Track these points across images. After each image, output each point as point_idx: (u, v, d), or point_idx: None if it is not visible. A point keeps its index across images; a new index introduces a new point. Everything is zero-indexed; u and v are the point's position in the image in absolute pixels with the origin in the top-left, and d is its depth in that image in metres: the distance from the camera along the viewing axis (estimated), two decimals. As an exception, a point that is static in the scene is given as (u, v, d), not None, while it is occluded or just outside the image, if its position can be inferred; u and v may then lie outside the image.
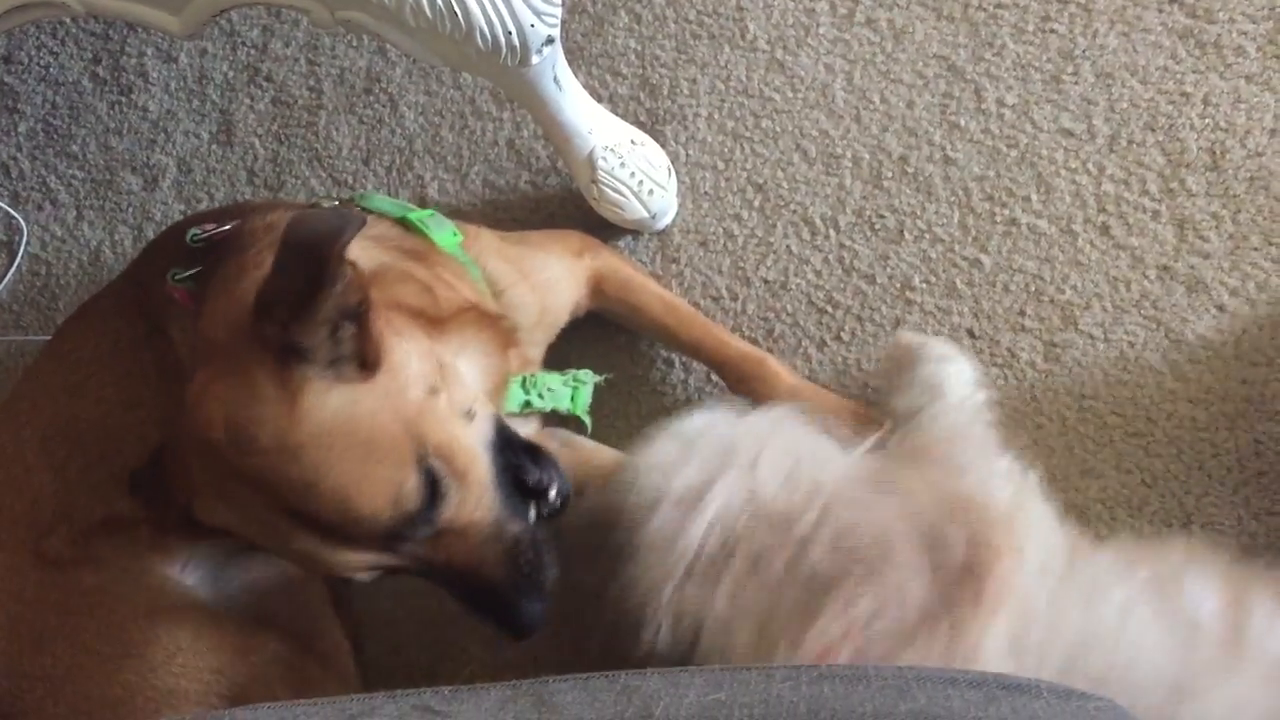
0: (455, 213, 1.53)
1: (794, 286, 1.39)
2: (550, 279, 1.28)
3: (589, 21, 1.57)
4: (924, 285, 1.35)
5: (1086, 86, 1.39)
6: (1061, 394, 1.28)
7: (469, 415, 1.00)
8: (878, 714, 0.64)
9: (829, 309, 1.37)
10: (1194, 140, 1.34)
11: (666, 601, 0.96)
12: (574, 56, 1.55)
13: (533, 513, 1.04)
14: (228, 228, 1.11)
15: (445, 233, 1.17)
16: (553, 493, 1.05)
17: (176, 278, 1.10)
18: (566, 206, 1.49)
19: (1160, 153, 1.34)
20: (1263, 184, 1.31)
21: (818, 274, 1.39)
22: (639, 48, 1.55)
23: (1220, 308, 1.28)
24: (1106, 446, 1.25)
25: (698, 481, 0.99)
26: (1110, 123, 1.37)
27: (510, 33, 1.12)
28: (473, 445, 0.99)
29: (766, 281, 1.40)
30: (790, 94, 1.48)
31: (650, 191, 1.39)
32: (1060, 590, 0.95)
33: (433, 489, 0.94)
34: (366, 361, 0.91)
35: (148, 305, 1.19)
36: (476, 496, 0.98)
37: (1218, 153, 1.33)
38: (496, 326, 1.10)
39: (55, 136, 1.75)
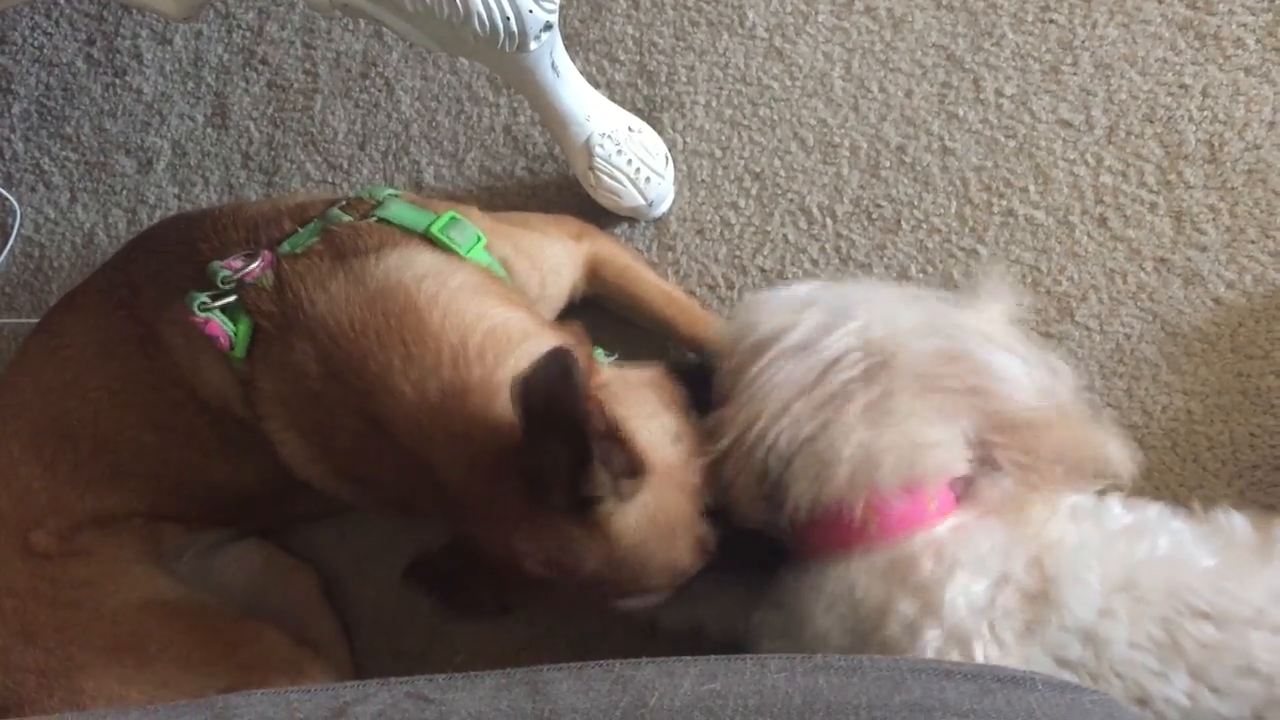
0: (449, 196, 1.52)
1: (790, 275, 1.39)
2: (550, 261, 1.28)
3: (587, 7, 1.57)
4: (921, 275, 1.35)
5: (1085, 77, 1.39)
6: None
7: (677, 438, 1.06)
8: (872, 705, 0.64)
9: (825, 298, 1.37)
10: (1192, 132, 1.34)
11: (779, 426, 1.00)
12: (571, 42, 1.54)
13: None
14: (255, 266, 1.10)
15: (470, 240, 1.16)
16: None
17: (201, 306, 1.09)
18: (563, 193, 1.48)
19: (1158, 144, 1.34)
20: (1260, 177, 1.30)
21: (814, 263, 1.38)
22: (637, 34, 1.54)
23: (1217, 300, 1.28)
24: (1118, 436, 1.25)
25: (815, 325, 1.04)
26: (1109, 114, 1.37)
27: (508, 18, 1.11)
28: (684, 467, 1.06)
29: (763, 270, 1.40)
30: (788, 82, 1.47)
31: (647, 179, 1.39)
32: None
33: (717, 520, 1.06)
34: (635, 469, 0.98)
35: (141, 310, 1.18)
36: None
37: (1216, 145, 1.33)
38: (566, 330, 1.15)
39: (49, 118, 1.74)
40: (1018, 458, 1.02)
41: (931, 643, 0.92)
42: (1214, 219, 1.30)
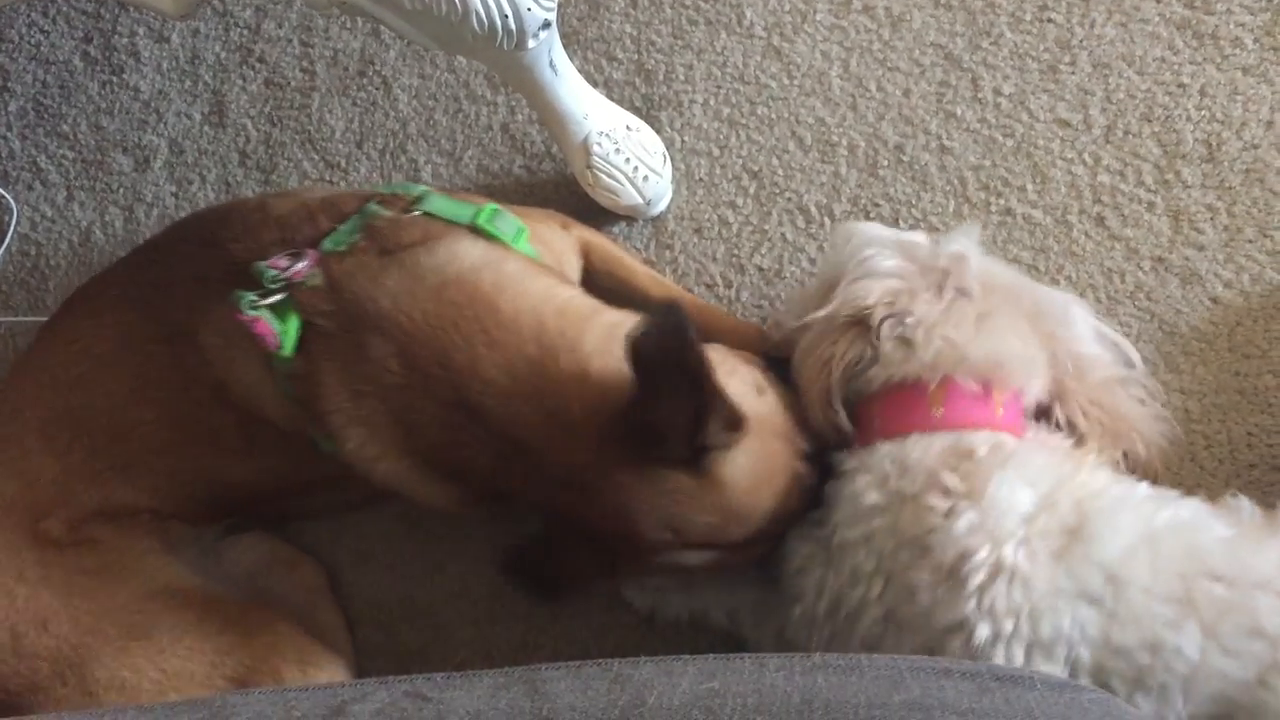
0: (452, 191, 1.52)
1: (788, 274, 1.39)
2: (560, 248, 1.29)
3: (585, 6, 1.56)
4: (918, 274, 1.35)
5: (1083, 76, 1.39)
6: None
7: (761, 390, 1.10)
8: (871, 704, 0.64)
9: (823, 297, 1.37)
10: (1190, 132, 1.34)
11: (887, 304, 1.07)
12: (569, 41, 1.54)
13: None
14: (301, 266, 1.10)
15: (513, 230, 1.17)
16: None
17: (250, 303, 1.10)
18: (560, 192, 1.48)
19: (1156, 144, 1.34)
20: (1258, 176, 1.31)
21: (812, 262, 1.38)
22: (635, 33, 1.54)
23: (1214, 300, 1.28)
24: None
25: (923, 239, 1.13)
26: (1107, 113, 1.37)
27: (507, 16, 1.11)
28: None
29: (761, 269, 1.40)
30: (786, 81, 1.47)
31: (645, 178, 1.39)
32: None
33: (812, 461, 1.09)
34: (741, 418, 1.00)
35: (171, 309, 1.19)
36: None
37: (1214, 144, 1.33)
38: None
39: (46, 116, 1.73)
40: (1085, 405, 1.08)
41: (965, 523, 0.95)
42: (1212, 218, 1.30)
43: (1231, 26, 1.36)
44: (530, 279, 1.10)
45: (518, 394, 1.04)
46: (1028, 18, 1.42)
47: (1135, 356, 1.17)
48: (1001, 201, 1.36)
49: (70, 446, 1.20)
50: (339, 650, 1.27)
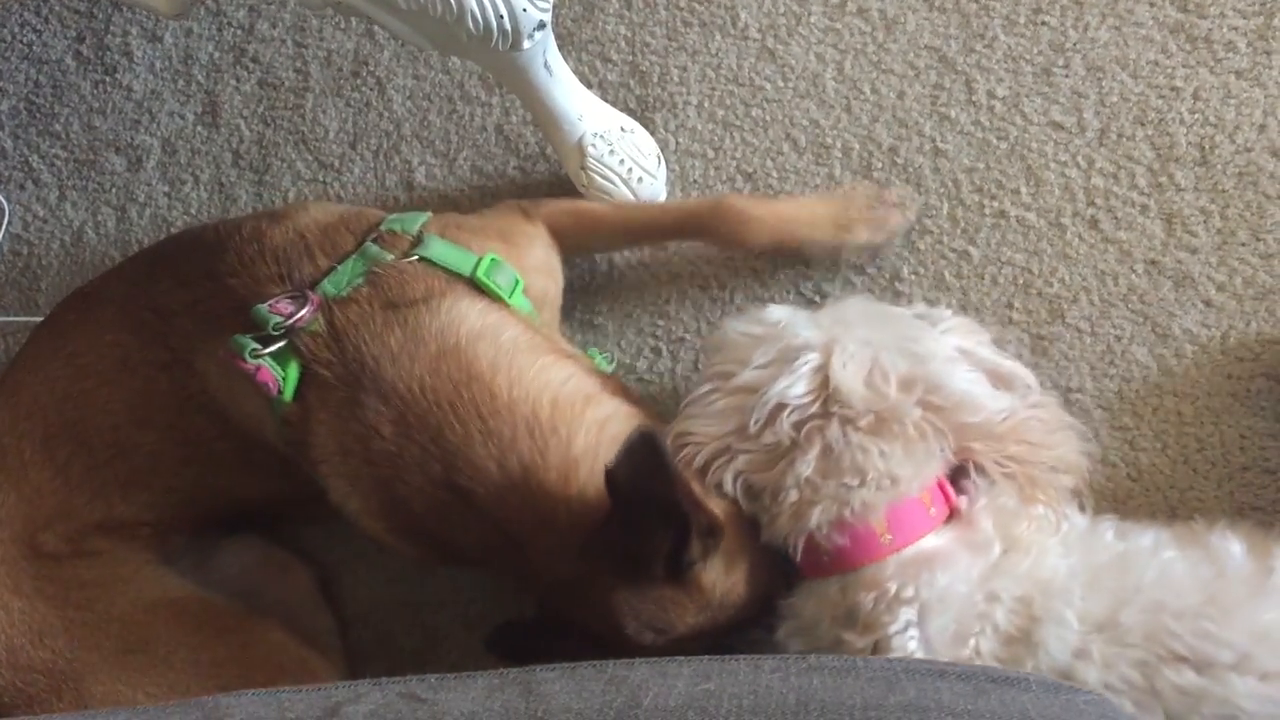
0: (441, 196, 1.52)
1: (782, 276, 1.38)
2: (534, 261, 1.28)
3: (579, 7, 1.56)
4: (912, 277, 1.35)
5: (1077, 80, 1.39)
6: (1048, 387, 1.28)
7: None
8: (867, 706, 0.64)
9: (817, 298, 1.37)
10: (1183, 135, 1.34)
11: (720, 461, 1.06)
12: (564, 42, 1.54)
13: None
14: (304, 313, 1.10)
15: (510, 283, 1.18)
16: None
17: (253, 351, 1.10)
18: (555, 193, 1.48)
19: (1150, 147, 1.35)
20: (1251, 180, 1.31)
21: (806, 264, 1.38)
22: (629, 34, 1.54)
23: (1207, 302, 1.28)
24: (1092, 440, 1.25)
25: (768, 366, 1.07)
26: (1100, 116, 1.37)
27: (502, 16, 1.11)
28: None
29: (755, 271, 1.40)
30: (781, 83, 1.47)
31: (639, 179, 1.39)
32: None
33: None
34: (715, 529, 1.03)
35: (172, 337, 1.19)
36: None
37: (1207, 148, 1.33)
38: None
39: (38, 115, 1.73)
40: (1003, 464, 1.03)
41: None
42: (1205, 221, 1.31)
43: (1224, 30, 1.37)
44: (525, 355, 1.11)
45: (509, 489, 1.05)
46: (1022, 21, 1.42)
47: (1031, 380, 1.12)
48: (995, 204, 1.36)
49: (70, 461, 1.20)
50: (331, 653, 1.27)
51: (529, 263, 1.25)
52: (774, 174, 1.43)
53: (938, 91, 1.42)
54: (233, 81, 1.67)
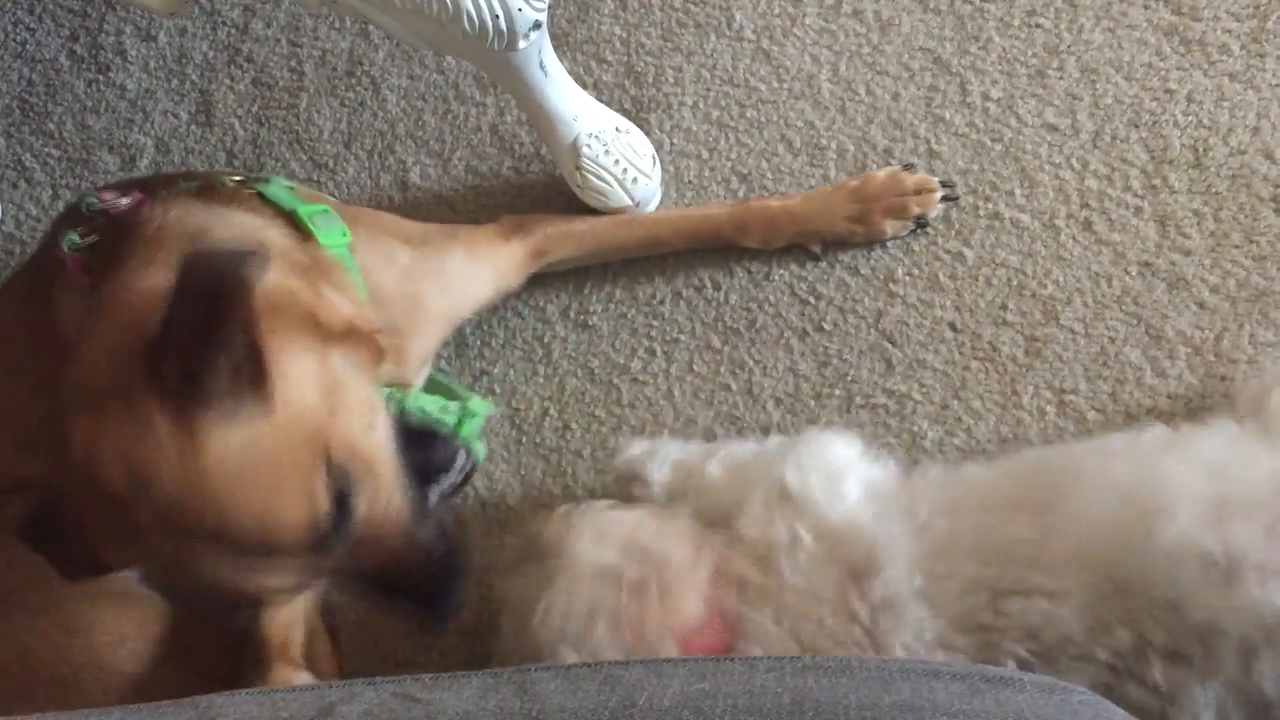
0: (436, 196, 1.52)
1: (776, 277, 1.39)
2: (449, 277, 1.26)
3: (574, 7, 1.56)
4: (907, 278, 1.35)
5: (1071, 82, 1.39)
6: (1042, 388, 1.28)
7: (370, 427, 0.99)
8: (862, 706, 0.64)
9: (811, 300, 1.37)
10: (1177, 137, 1.34)
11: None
12: (559, 42, 1.54)
13: (435, 493, 1.06)
14: (124, 204, 1.07)
15: (334, 233, 1.12)
16: (453, 470, 1.09)
17: (71, 243, 1.05)
18: (549, 193, 1.48)
19: (1144, 149, 1.35)
20: (1244, 182, 1.31)
21: (800, 264, 1.38)
22: (624, 35, 1.54)
23: (1201, 305, 1.28)
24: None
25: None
26: (1094, 118, 1.37)
27: (498, 16, 1.11)
28: (375, 454, 0.99)
29: (749, 271, 1.40)
30: (776, 84, 1.47)
31: (634, 179, 1.39)
32: None
33: (343, 500, 0.93)
34: (265, 392, 0.89)
35: (39, 265, 1.15)
36: (386, 499, 0.98)
37: (1200, 150, 1.33)
38: (371, 342, 1.06)
39: (31, 114, 1.73)
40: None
41: None
42: (1198, 223, 1.31)
43: (1218, 33, 1.37)
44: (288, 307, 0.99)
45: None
46: (1016, 23, 1.43)
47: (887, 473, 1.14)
48: (989, 205, 1.36)
49: None
50: (323, 658, 1.26)
51: (432, 282, 1.24)
52: (769, 175, 1.43)
53: (932, 93, 1.42)
54: (227, 81, 1.67)
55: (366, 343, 1.05)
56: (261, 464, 0.89)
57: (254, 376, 0.88)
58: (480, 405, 1.17)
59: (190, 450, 0.87)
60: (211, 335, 0.84)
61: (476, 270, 1.31)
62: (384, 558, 0.98)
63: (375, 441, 0.99)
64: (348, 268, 1.13)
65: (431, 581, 1.01)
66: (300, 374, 0.94)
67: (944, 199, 1.35)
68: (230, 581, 0.92)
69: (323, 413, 0.94)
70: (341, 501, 0.93)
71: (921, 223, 1.35)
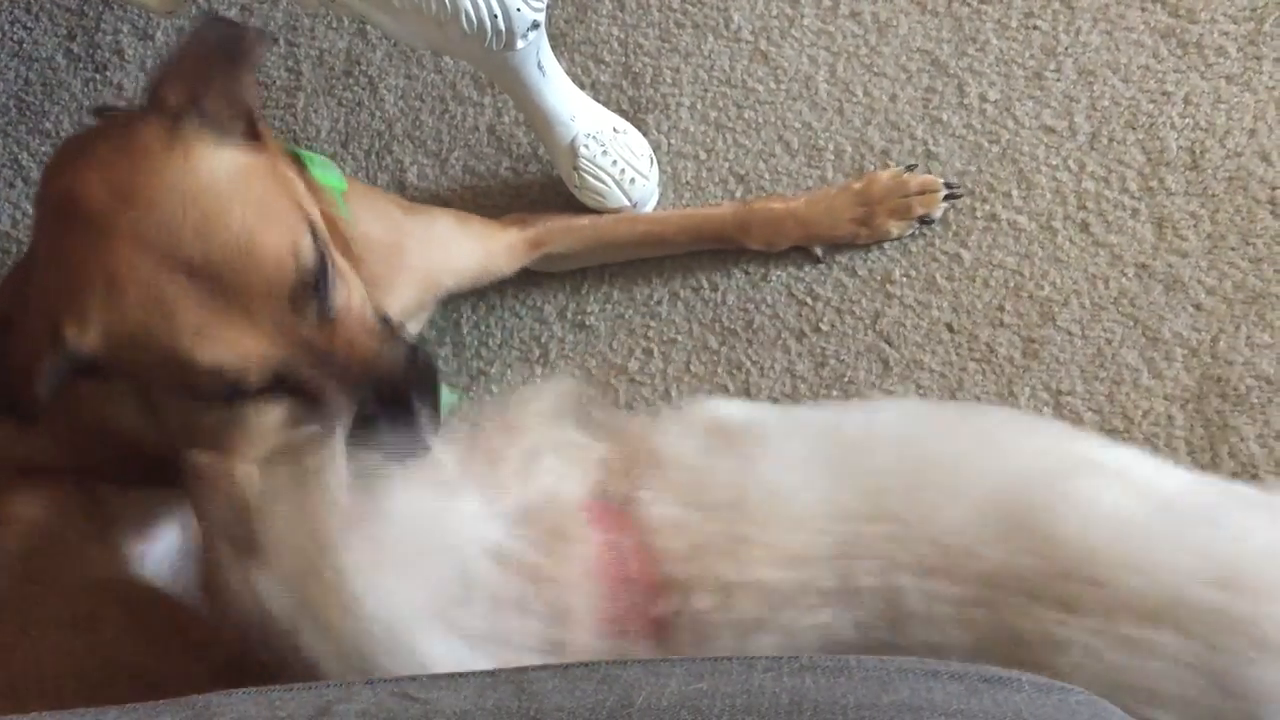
0: (433, 195, 1.52)
1: (774, 278, 1.39)
2: (434, 237, 1.26)
3: (572, 8, 1.56)
4: (904, 279, 1.35)
5: (1068, 83, 1.39)
6: (1039, 390, 1.28)
7: (344, 258, 1.00)
8: (860, 705, 0.64)
9: (809, 300, 1.37)
10: (1174, 139, 1.35)
11: None
12: (556, 43, 1.54)
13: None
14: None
15: (330, 176, 1.11)
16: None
17: None
18: (547, 193, 1.48)
19: (1140, 151, 1.35)
20: (1241, 184, 1.31)
21: (798, 265, 1.39)
22: (622, 35, 1.54)
23: (1197, 306, 1.28)
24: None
25: None
26: (1091, 120, 1.37)
27: (496, 16, 1.11)
28: (348, 268, 0.99)
29: (747, 273, 1.40)
30: (773, 85, 1.47)
31: (632, 180, 1.39)
32: None
33: (324, 265, 0.92)
34: (259, 136, 0.92)
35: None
36: (359, 304, 0.98)
37: (1197, 152, 1.34)
38: (350, 255, 1.05)
39: (28, 113, 1.72)
40: None
41: None
42: (1195, 225, 1.31)
43: (1215, 35, 1.37)
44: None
45: None
46: (1013, 24, 1.43)
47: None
48: (987, 207, 1.36)
49: None
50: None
51: (419, 235, 1.25)
52: (766, 176, 1.43)
53: (930, 95, 1.43)
54: (224, 80, 1.67)
55: (346, 252, 1.05)
56: (250, 193, 0.89)
57: (248, 128, 0.90)
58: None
59: (180, 161, 0.86)
60: (218, 73, 0.87)
61: (464, 240, 1.31)
62: (354, 358, 0.95)
63: (349, 264, 1.00)
64: (339, 206, 1.12)
65: (400, 399, 0.97)
66: (289, 170, 0.98)
67: (947, 198, 1.35)
68: (201, 339, 0.88)
69: (307, 199, 0.96)
70: (323, 264, 0.92)
71: (925, 222, 1.35)
